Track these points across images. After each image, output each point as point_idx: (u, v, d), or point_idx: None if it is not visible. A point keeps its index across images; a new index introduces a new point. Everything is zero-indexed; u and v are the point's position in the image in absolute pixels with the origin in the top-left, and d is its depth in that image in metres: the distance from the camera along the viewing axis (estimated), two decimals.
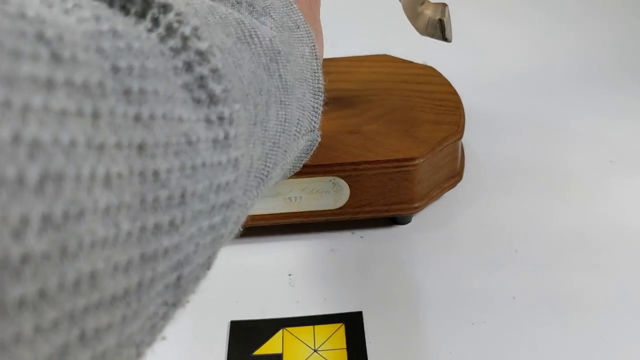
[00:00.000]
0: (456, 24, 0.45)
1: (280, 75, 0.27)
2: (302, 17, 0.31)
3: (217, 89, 0.23)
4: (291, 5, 0.32)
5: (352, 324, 0.43)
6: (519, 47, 0.68)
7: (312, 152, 0.35)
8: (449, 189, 0.50)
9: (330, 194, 0.46)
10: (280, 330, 0.43)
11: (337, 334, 0.43)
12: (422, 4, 0.43)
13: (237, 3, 0.29)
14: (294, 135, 0.30)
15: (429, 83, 0.53)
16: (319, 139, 0.34)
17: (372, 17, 0.69)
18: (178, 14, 0.22)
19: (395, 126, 0.48)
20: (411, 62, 0.56)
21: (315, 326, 0.44)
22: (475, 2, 0.70)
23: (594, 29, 0.70)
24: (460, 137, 0.48)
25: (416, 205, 0.47)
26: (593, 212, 0.49)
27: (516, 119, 0.58)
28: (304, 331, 0.43)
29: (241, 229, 0.28)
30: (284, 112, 0.28)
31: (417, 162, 0.45)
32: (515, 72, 0.64)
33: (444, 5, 0.44)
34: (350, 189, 0.46)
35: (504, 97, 0.61)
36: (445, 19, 0.43)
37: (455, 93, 0.52)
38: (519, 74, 0.64)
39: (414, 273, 0.45)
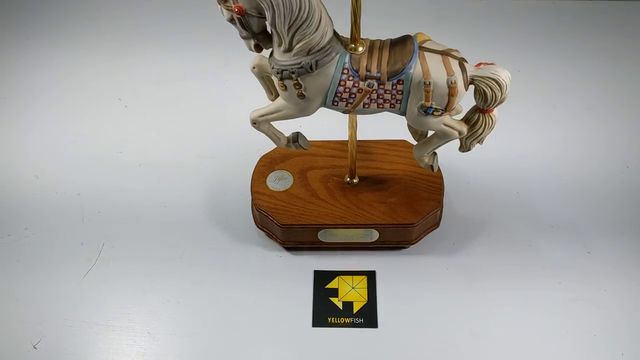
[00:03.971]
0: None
1: None
2: None
3: None
4: None
5: (371, 276, 0.90)
6: None
7: None
8: (430, 232, 0.93)
9: (368, 236, 0.90)
10: (337, 277, 0.90)
11: (362, 281, 0.89)
12: (424, 156, 0.83)
13: None
14: None
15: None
16: None
17: None
18: None
19: (406, 200, 0.90)
20: None
21: (354, 276, 0.90)
22: None
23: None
24: (440, 210, 0.90)
25: (413, 241, 0.91)
26: None
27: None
28: (347, 278, 0.90)
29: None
30: None
31: (415, 225, 0.88)
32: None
33: (435, 154, 0.83)
34: (379, 234, 0.89)
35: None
36: (434, 165, 0.83)
37: (440, 177, 0.93)
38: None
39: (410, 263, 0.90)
